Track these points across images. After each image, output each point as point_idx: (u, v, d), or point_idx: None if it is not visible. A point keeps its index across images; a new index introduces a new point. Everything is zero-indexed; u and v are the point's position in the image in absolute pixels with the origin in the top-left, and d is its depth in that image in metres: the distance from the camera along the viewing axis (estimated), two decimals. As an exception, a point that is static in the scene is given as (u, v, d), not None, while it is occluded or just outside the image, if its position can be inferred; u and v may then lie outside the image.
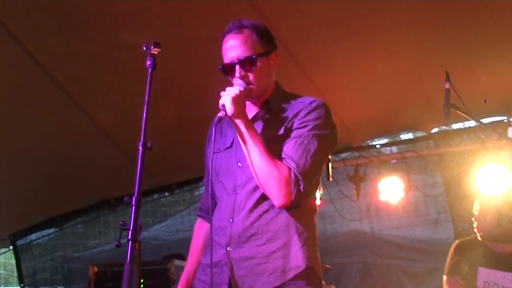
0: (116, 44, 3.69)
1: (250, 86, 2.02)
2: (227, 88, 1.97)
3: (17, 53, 3.69)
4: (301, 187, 1.89)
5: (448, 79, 3.21)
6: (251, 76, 2.02)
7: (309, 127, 1.98)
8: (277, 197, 1.90)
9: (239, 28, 2.04)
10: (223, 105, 1.92)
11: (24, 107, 4.19)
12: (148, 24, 3.55)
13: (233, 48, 2.02)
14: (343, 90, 4.44)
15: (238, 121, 1.93)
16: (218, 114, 1.92)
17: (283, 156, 1.94)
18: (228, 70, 2.04)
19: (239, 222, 1.96)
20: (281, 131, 2.00)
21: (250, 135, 1.92)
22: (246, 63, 2.01)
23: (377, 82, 4.36)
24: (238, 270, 1.93)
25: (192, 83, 4.11)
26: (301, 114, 2.01)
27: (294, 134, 1.98)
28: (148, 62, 1.83)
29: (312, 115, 2.00)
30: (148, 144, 1.73)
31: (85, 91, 4.23)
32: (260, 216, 1.94)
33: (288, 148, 1.96)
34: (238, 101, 1.92)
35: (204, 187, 2.34)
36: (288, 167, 1.90)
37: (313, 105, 2.03)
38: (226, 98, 1.92)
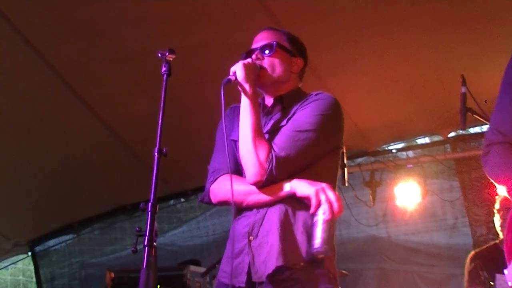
0: (131, 50, 3.72)
1: (263, 68, 2.05)
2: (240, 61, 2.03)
3: (34, 60, 3.73)
4: (274, 171, 1.88)
5: (464, 83, 3.17)
6: (266, 60, 2.07)
7: (304, 114, 1.98)
8: (249, 173, 1.91)
9: (272, 28, 2.19)
10: (234, 72, 1.97)
11: (40, 114, 4.24)
12: (161, 31, 3.57)
13: (260, 38, 2.14)
14: (358, 95, 4.42)
15: (247, 85, 1.97)
16: (228, 77, 1.96)
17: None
18: (249, 55, 2.10)
19: (261, 211, 1.94)
20: (283, 122, 2.01)
21: (250, 104, 1.96)
22: (266, 47, 2.09)
23: (392, 86, 4.34)
24: (258, 256, 1.90)
25: (206, 88, 4.12)
26: (305, 103, 2.03)
27: (290, 120, 1.99)
28: (163, 69, 1.83)
29: (313, 104, 2.01)
30: (164, 150, 1.74)
31: (100, 98, 4.27)
32: (280, 202, 1.92)
33: (280, 132, 1.97)
34: (249, 68, 1.99)
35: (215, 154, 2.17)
36: (270, 148, 1.91)
37: (320, 95, 2.05)
38: (238, 65, 1.99)
